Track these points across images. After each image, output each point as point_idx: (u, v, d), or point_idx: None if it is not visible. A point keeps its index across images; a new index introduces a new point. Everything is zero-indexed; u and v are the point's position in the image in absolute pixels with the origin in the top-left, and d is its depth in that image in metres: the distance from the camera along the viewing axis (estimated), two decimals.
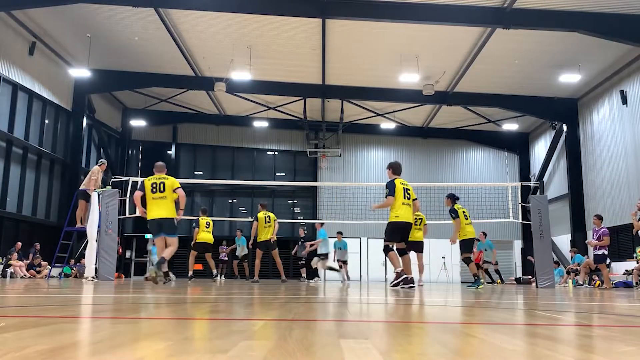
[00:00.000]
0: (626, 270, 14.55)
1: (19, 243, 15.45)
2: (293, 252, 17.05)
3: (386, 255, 8.22)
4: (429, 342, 1.74)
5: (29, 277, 14.65)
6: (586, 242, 14.43)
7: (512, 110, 20.10)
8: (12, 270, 14.55)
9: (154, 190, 8.19)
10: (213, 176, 23.30)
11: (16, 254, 15.09)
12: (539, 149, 22.59)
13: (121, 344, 1.56)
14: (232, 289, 7.31)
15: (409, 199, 8.13)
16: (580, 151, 19.16)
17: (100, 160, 13.20)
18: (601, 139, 17.89)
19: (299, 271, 16.99)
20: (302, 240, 16.42)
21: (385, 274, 20.30)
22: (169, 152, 23.65)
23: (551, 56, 15.95)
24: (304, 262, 16.30)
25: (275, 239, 12.75)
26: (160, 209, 8.15)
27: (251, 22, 14.85)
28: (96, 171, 12.13)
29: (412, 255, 9.42)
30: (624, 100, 16.33)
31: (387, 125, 22.60)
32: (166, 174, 8.50)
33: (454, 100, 19.39)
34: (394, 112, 21.39)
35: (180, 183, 8.54)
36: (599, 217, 12.55)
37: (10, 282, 9.48)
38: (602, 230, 12.24)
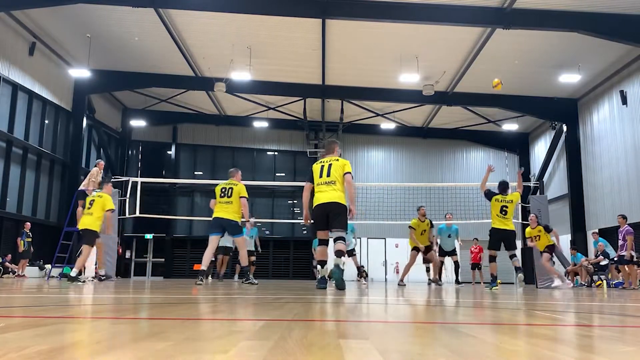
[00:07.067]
0: None
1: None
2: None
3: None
4: (428, 342, 1.74)
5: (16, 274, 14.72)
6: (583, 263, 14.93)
7: (512, 110, 20.10)
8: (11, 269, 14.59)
9: (222, 195, 8.92)
10: (213, 176, 23.26)
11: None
12: (539, 149, 22.58)
13: (121, 344, 1.56)
14: (238, 289, 7.31)
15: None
16: (580, 151, 19.16)
17: (97, 160, 13.18)
18: (601, 139, 17.88)
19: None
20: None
21: (385, 274, 20.28)
22: (169, 152, 23.64)
23: (551, 56, 15.94)
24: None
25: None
26: (225, 211, 8.85)
27: (251, 22, 14.86)
28: (95, 172, 12.14)
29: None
30: (624, 101, 16.32)
31: (387, 125, 22.60)
32: (239, 179, 9.15)
33: (454, 101, 19.40)
34: (394, 112, 21.40)
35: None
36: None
37: (10, 282, 9.48)
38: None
